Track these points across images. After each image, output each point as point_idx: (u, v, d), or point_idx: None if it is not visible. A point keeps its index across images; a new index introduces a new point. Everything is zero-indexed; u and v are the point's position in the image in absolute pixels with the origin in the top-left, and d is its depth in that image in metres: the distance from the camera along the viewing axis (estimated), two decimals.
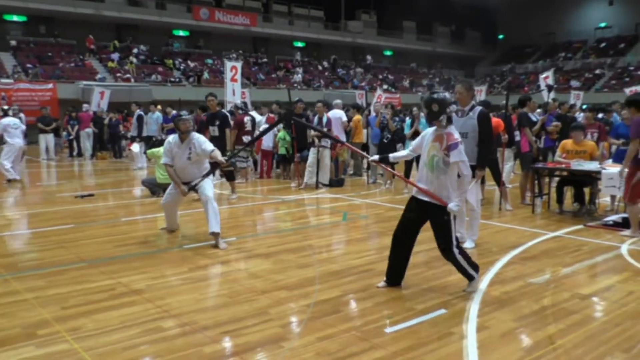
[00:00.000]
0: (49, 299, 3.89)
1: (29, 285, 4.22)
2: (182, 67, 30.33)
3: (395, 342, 3.18)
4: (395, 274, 4.14)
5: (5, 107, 13.14)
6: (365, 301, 3.87)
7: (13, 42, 26.89)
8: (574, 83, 34.20)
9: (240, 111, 11.68)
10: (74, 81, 24.77)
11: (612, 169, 6.40)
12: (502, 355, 3.02)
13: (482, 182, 6.45)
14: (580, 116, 11.80)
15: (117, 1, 30.08)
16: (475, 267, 4.04)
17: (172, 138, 5.78)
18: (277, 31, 35.99)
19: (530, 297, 3.94)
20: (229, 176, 8.57)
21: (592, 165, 6.77)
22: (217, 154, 5.58)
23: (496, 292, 4.05)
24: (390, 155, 4.50)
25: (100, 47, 29.06)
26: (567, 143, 7.32)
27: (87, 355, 3.01)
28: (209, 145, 5.62)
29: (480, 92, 19.02)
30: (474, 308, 3.71)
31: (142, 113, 13.90)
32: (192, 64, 31.05)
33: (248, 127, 10.36)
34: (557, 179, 7.51)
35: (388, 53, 43.72)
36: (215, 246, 5.38)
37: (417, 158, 4.23)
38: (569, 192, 7.61)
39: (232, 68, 14.55)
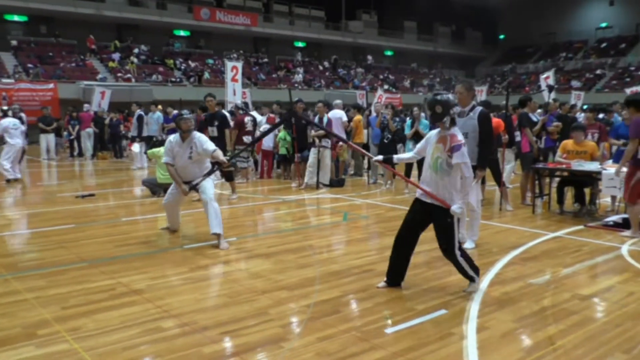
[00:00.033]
0: (49, 299, 3.90)
1: (29, 285, 4.22)
2: (182, 67, 30.34)
3: (395, 342, 3.18)
4: (396, 274, 4.14)
5: (5, 107, 13.15)
6: (365, 301, 3.87)
7: (14, 42, 26.92)
8: (575, 83, 34.18)
9: (240, 111, 11.70)
10: (74, 81, 24.80)
11: (612, 169, 6.39)
12: (502, 356, 3.01)
13: (483, 182, 6.46)
14: (581, 116, 11.79)
15: (117, 1, 30.10)
16: (476, 270, 4.04)
17: (173, 137, 5.78)
18: (278, 31, 36.00)
19: (531, 298, 3.94)
20: (228, 176, 8.57)
21: (593, 166, 6.77)
22: (219, 153, 5.58)
23: (496, 293, 4.05)
24: (395, 156, 4.51)
25: (101, 47, 29.08)
26: (568, 143, 7.32)
27: (87, 355, 3.01)
28: (210, 145, 5.62)
29: (481, 92, 19.05)
30: (474, 308, 3.71)
31: (142, 113, 13.90)
32: (192, 64, 31.07)
33: (249, 127, 10.37)
34: (557, 179, 7.51)
35: (389, 53, 43.72)
36: (216, 246, 5.38)
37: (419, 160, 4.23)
38: (569, 193, 7.61)
39: (233, 68, 14.58)
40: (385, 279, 4.18)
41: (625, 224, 6.20)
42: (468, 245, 5.35)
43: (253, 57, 34.50)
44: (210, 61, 32.47)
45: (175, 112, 13.09)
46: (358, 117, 11.05)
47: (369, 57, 40.36)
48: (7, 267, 4.74)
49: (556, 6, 41.02)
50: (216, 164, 5.85)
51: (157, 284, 4.25)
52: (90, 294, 4.02)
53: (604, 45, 39.51)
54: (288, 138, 10.47)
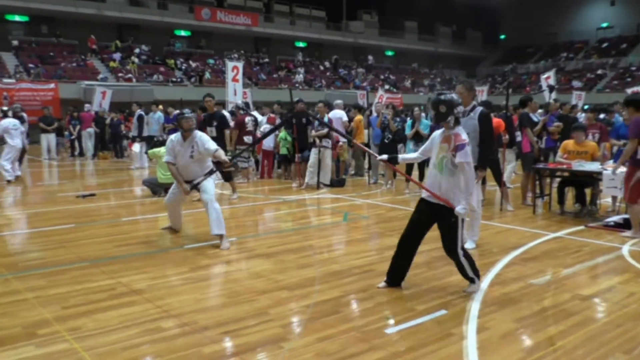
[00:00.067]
0: (49, 299, 3.90)
1: (29, 284, 4.22)
2: (183, 67, 30.36)
3: (395, 342, 3.18)
4: (397, 274, 4.14)
5: (5, 108, 13.16)
6: (365, 302, 3.87)
7: (15, 42, 26.94)
8: (576, 83, 34.15)
9: (241, 111, 11.70)
10: (75, 81, 24.83)
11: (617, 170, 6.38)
12: (502, 356, 3.01)
13: (484, 182, 6.45)
14: (582, 117, 11.78)
15: (118, 1, 30.12)
16: (477, 272, 4.04)
17: (174, 136, 5.77)
18: (279, 31, 36.00)
19: (531, 298, 3.94)
20: (227, 176, 8.55)
21: (594, 166, 6.76)
22: (221, 153, 5.58)
23: (497, 293, 4.05)
24: (400, 156, 4.51)
25: (102, 47, 29.10)
26: (569, 144, 7.31)
27: (87, 355, 3.01)
28: (212, 145, 5.61)
29: (482, 93, 19.03)
30: (474, 309, 3.70)
31: (142, 113, 13.90)
32: (193, 64, 31.08)
33: (249, 127, 10.37)
34: (558, 179, 7.50)
35: (389, 53, 43.72)
36: (217, 246, 5.38)
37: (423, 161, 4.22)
38: (570, 193, 7.60)
39: (234, 68, 14.58)
40: (385, 278, 4.18)
41: (626, 224, 6.19)
42: (468, 245, 5.35)
43: (254, 57, 34.51)
44: (211, 61, 32.48)
45: (176, 112, 13.10)
46: (359, 117, 11.05)
47: (370, 57, 40.35)
48: (8, 266, 4.74)
49: (557, 6, 41.00)
50: (218, 164, 5.85)
51: (157, 284, 4.25)
52: (90, 293, 4.02)
53: (605, 45, 39.48)
54: (289, 138, 10.47)
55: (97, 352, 3.04)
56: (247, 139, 10.20)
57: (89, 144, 16.27)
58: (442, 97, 3.94)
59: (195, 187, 5.62)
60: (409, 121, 9.52)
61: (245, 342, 3.18)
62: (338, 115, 10.65)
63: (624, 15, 39.47)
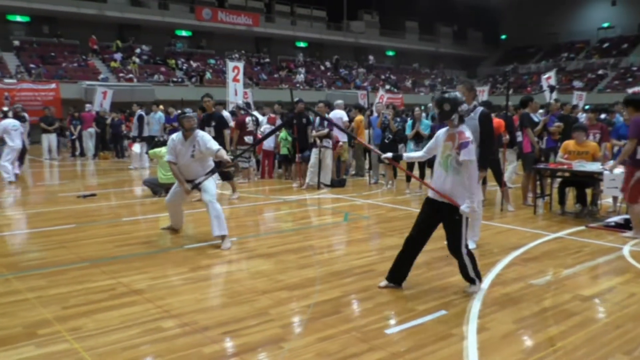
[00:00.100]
0: (49, 299, 3.90)
1: (30, 284, 4.23)
2: (184, 67, 30.36)
3: (395, 343, 3.18)
4: (399, 274, 4.13)
5: (6, 108, 13.19)
6: (365, 302, 3.87)
7: (16, 42, 26.95)
8: (577, 83, 34.12)
9: (242, 111, 11.70)
10: (76, 81, 24.83)
11: (614, 170, 6.38)
12: (503, 357, 3.01)
13: (484, 182, 6.45)
14: (582, 117, 11.77)
15: (119, 1, 30.12)
16: (478, 274, 4.04)
17: (175, 135, 5.77)
18: (280, 31, 35.99)
19: (531, 299, 3.93)
20: (226, 176, 8.54)
21: (594, 166, 6.76)
22: (223, 153, 5.58)
23: (497, 293, 4.04)
24: (405, 154, 4.50)
25: (103, 47, 29.11)
26: (569, 144, 7.31)
27: (87, 355, 3.01)
28: (214, 144, 5.61)
29: (483, 93, 19.03)
30: (474, 309, 3.70)
31: (142, 113, 13.91)
32: (194, 64, 31.08)
33: (250, 127, 10.37)
34: (559, 179, 7.50)
35: (390, 53, 43.70)
36: (217, 246, 5.38)
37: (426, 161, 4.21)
38: (570, 193, 7.59)
39: (235, 68, 14.58)
40: (387, 276, 4.17)
41: (626, 225, 6.19)
42: (469, 245, 5.34)
43: (255, 57, 34.50)
44: (212, 61, 32.48)
45: (176, 112, 13.11)
46: (359, 117, 11.05)
47: (371, 57, 40.34)
48: (8, 266, 4.75)
49: (558, 6, 40.95)
50: (219, 164, 5.84)
51: (157, 284, 4.25)
52: (90, 293, 4.02)
53: (606, 45, 39.43)
54: (289, 138, 10.48)
55: (97, 352, 3.04)
56: (248, 139, 10.20)
57: (89, 144, 16.29)
58: (446, 95, 3.94)
59: (197, 186, 5.62)
60: (409, 121, 9.52)
61: (245, 342, 3.18)
62: (338, 115, 10.65)
63: (625, 15, 39.42)
